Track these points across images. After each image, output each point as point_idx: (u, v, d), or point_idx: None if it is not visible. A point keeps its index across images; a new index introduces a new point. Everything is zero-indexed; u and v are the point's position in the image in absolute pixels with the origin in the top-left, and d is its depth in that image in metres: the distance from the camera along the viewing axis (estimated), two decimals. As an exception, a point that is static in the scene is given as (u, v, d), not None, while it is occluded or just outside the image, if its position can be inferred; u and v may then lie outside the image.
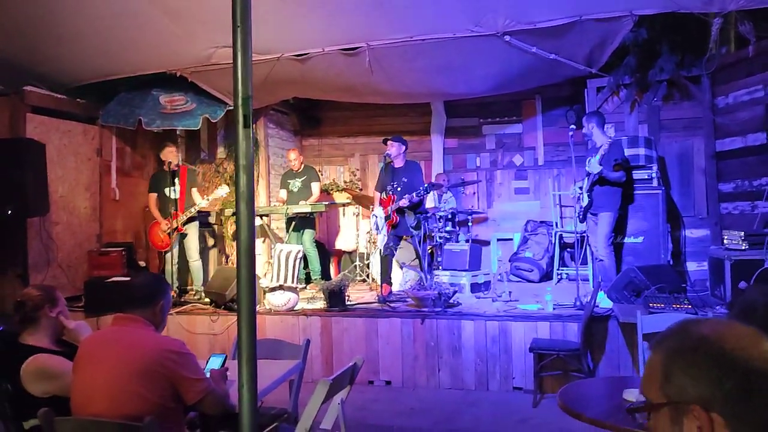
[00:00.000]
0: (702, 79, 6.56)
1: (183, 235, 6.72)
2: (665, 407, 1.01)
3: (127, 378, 2.30)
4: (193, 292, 6.85)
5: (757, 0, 4.57)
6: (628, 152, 6.13)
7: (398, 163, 6.45)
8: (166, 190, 6.63)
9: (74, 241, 6.64)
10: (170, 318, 5.71)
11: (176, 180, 6.59)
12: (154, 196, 6.75)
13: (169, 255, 6.62)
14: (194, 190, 6.82)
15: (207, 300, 6.37)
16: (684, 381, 0.99)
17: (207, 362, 2.90)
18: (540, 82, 7.16)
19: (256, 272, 6.97)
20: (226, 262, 7.63)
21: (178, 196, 6.58)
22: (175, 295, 6.39)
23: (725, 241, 5.44)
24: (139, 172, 7.73)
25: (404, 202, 6.24)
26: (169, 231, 6.59)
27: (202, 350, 5.67)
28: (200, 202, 6.62)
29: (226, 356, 3.00)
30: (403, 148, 6.47)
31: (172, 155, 6.63)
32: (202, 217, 7.10)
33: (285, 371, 3.04)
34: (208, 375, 2.58)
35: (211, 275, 6.96)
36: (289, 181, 7.47)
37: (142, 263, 7.33)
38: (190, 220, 6.71)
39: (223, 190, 6.58)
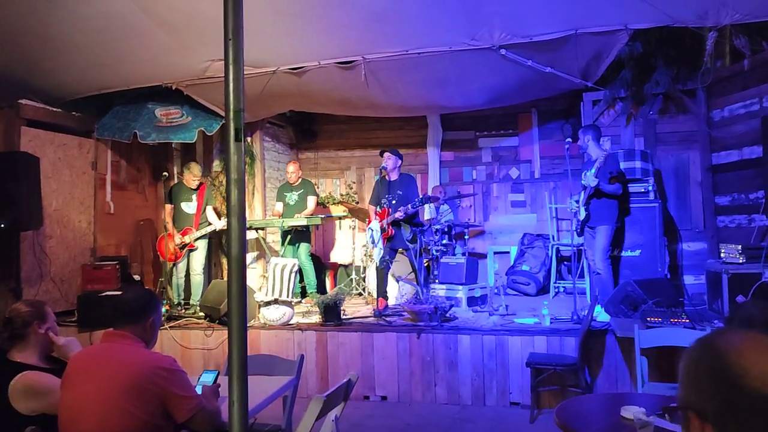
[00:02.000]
0: (697, 93, 6.60)
1: (192, 250, 6.84)
2: (682, 410, 1.02)
3: (116, 395, 2.26)
4: (189, 306, 6.81)
5: (752, 14, 4.59)
6: (624, 165, 6.14)
7: (393, 176, 6.47)
8: (182, 205, 6.82)
9: (68, 255, 6.59)
10: (164, 332, 5.68)
11: (194, 196, 6.83)
12: (170, 207, 6.88)
13: (175, 268, 6.76)
14: (209, 209, 6.92)
15: (202, 314, 6.33)
16: (688, 388, 1.00)
17: (199, 378, 2.85)
18: (536, 95, 7.18)
19: (252, 286, 6.93)
20: (222, 276, 7.58)
21: (194, 212, 6.81)
22: (169, 308, 6.35)
23: (722, 255, 5.43)
24: (135, 185, 7.71)
25: (399, 215, 6.25)
26: (181, 245, 6.71)
27: (196, 365, 5.62)
28: (217, 223, 6.77)
29: (219, 372, 2.95)
30: (399, 162, 6.51)
31: (192, 182, 6.84)
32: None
33: (278, 387, 3.00)
34: (199, 391, 2.54)
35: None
36: (285, 194, 7.46)
37: (137, 277, 7.28)
38: (202, 236, 6.85)
39: None
